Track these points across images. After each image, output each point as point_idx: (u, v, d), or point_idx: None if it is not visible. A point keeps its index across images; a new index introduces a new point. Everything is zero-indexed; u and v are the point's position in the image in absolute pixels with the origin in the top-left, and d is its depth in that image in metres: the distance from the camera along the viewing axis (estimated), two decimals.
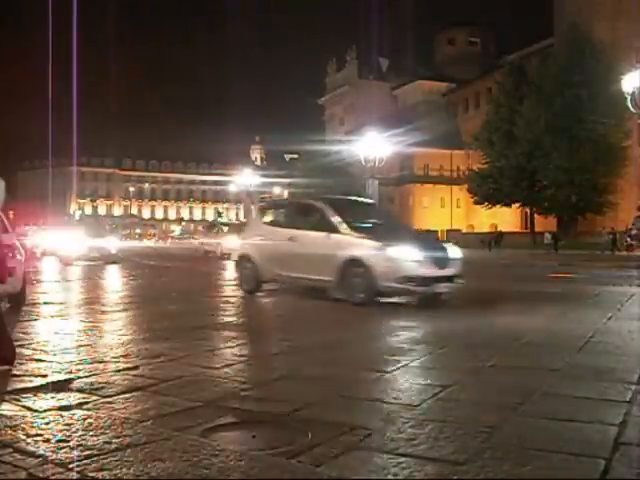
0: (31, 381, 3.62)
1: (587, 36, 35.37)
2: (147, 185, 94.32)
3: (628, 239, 29.26)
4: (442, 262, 7.66)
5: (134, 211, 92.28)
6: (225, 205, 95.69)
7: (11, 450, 2.21)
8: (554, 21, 45.51)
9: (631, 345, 5.02)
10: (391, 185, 55.72)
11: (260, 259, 9.01)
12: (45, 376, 3.76)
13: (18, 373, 3.84)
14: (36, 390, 3.41)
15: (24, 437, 2.36)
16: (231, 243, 22.19)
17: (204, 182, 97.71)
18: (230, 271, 15.47)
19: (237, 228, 25.18)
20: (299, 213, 9.28)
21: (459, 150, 55.73)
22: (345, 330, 5.87)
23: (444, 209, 59.94)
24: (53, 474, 2.01)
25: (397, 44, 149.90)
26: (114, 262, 18.53)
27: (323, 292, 8.58)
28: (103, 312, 7.16)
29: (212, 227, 27.10)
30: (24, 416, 2.77)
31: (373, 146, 29.11)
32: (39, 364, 4.12)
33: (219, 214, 71.18)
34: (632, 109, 18.54)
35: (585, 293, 9.93)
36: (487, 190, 39.32)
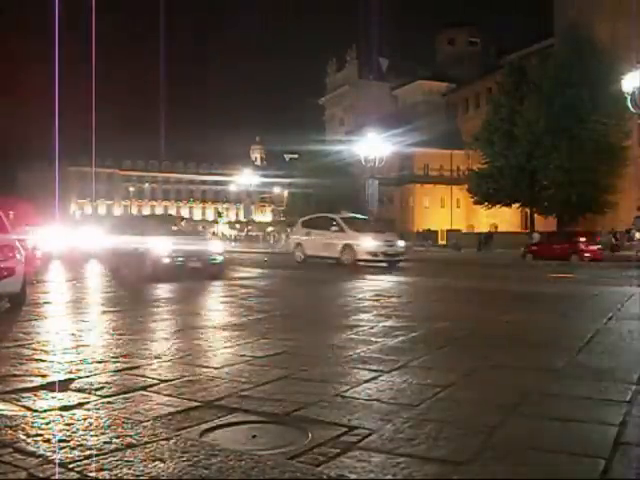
0: (31, 381, 3.62)
1: (587, 36, 35.36)
2: (147, 185, 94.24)
3: (613, 240, 29.34)
4: None
5: (134, 211, 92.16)
6: (225, 205, 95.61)
7: (11, 450, 2.20)
8: (554, 21, 45.47)
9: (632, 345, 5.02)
10: (391, 185, 55.68)
11: None
12: (45, 376, 3.76)
13: (18, 373, 3.84)
14: (36, 390, 3.41)
15: (24, 437, 2.36)
16: (367, 244, 16.41)
17: (204, 182, 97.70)
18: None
19: (373, 226, 19.05)
20: None
21: (459, 150, 55.66)
22: None
23: (444, 209, 59.89)
24: (53, 474, 2.00)
25: (397, 44, 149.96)
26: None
27: None
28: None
29: (329, 222, 18.03)
30: (24, 416, 2.77)
31: (373, 146, 29.13)
32: (39, 364, 4.12)
33: (219, 214, 71.17)
34: (632, 109, 18.54)
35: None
36: (487, 190, 39.24)
